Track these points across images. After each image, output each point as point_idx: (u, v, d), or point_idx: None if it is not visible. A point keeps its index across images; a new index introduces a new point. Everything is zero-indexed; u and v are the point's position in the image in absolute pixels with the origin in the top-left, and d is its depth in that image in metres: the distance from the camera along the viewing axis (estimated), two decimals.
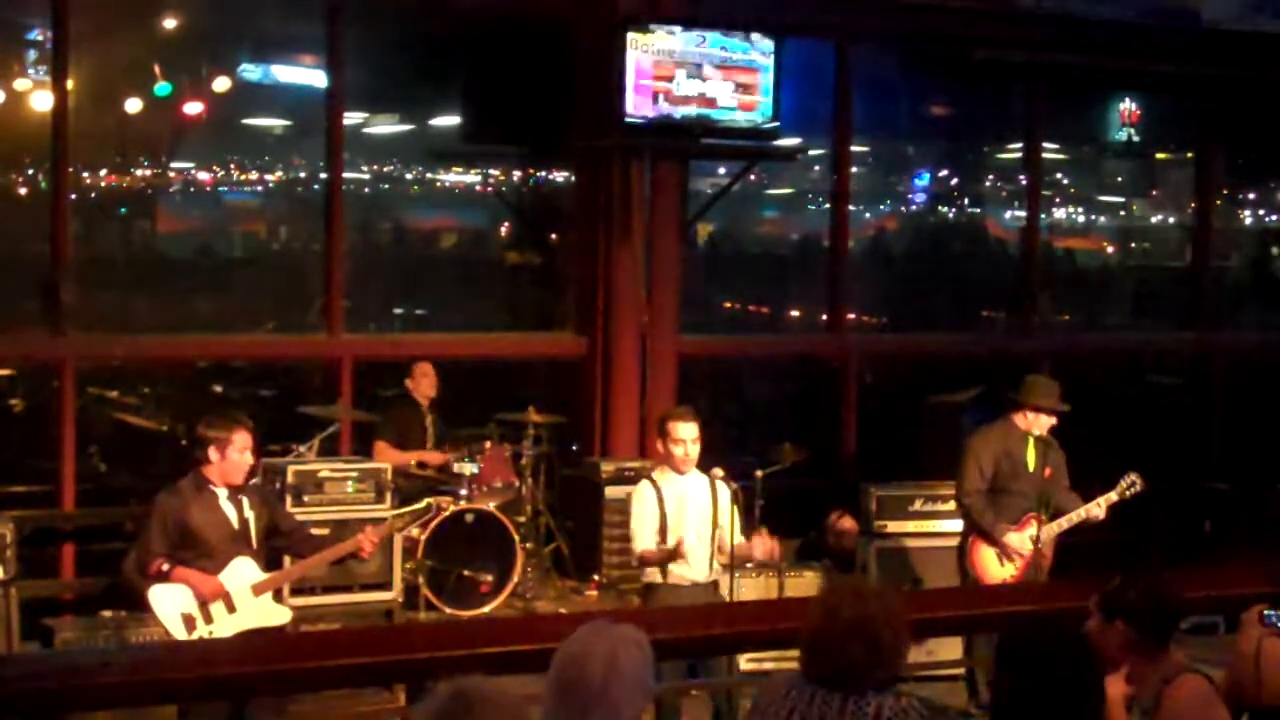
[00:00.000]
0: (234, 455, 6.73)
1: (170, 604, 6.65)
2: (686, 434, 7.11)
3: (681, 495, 7.13)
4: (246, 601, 6.74)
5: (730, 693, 7.35)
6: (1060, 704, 3.81)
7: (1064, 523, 8.11)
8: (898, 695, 3.79)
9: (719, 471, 7.18)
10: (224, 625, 6.69)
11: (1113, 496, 8.08)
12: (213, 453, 6.71)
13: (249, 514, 6.82)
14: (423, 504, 7.55)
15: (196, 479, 6.77)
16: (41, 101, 10.03)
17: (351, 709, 7.55)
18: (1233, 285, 14.15)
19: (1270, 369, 12.78)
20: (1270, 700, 4.85)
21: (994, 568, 8.13)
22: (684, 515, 7.11)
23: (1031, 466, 8.11)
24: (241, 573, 6.75)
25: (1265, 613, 5.41)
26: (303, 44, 11.12)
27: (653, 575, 7.15)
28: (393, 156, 12.50)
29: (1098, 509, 8.10)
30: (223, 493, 6.77)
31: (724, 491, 7.17)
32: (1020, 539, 8.05)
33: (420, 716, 3.00)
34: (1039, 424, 8.14)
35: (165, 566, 6.65)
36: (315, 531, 8.33)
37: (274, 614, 6.88)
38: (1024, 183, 12.63)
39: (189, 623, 6.65)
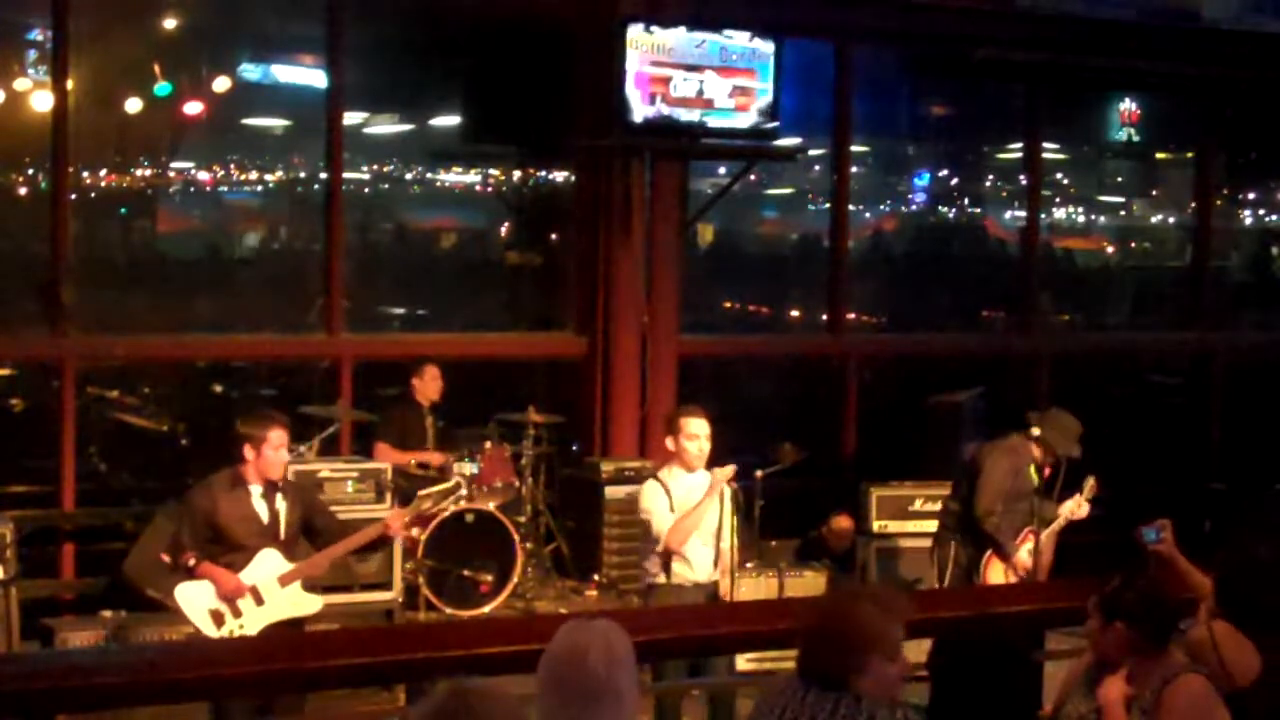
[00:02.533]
0: (269, 453, 6.76)
1: (197, 600, 6.69)
2: (699, 430, 7.10)
3: (688, 495, 7.11)
4: (274, 593, 6.76)
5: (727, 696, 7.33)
6: (989, 708, 3.82)
7: (1055, 528, 8.19)
8: (892, 706, 3.80)
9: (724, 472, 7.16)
10: (253, 618, 6.71)
11: (1082, 498, 8.22)
12: (248, 450, 6.76)
13: (280, 506, 6.83)
14: (451, 482, 7.61)
15: (233, 476, 6.82)
16: (41, 101, 10.02)
17: (351, 709, 7.55)
18: (1233, 285, 14.15)
19: (1270, 369, 12.77)
20: (1242, 680, 4.84)
21: (998, 581, 8.18)
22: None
23: (1035, 483, 8.15)
24: (267, 565, 6.77)
25: (1143, 529, 5.56)
26: (303, 44, 11.12)
27: (656, 576, 7.14)
28: (393, 156, 12.50)
29: (1079, 508, 8.19)
30: (257, 489, 6.81)
31: (729, 492, 7.16)
32: (1024, 554, 8.13)
33: (417, 717, 3.00)
34: (1048, 459, 8.19)
35: (192, 561, 6.70)
36: None
37: (304, 604, 6.87)
38: (1024, 183, 12.63)
39: (217, 618, 6.68)
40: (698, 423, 7.12)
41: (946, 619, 6.45)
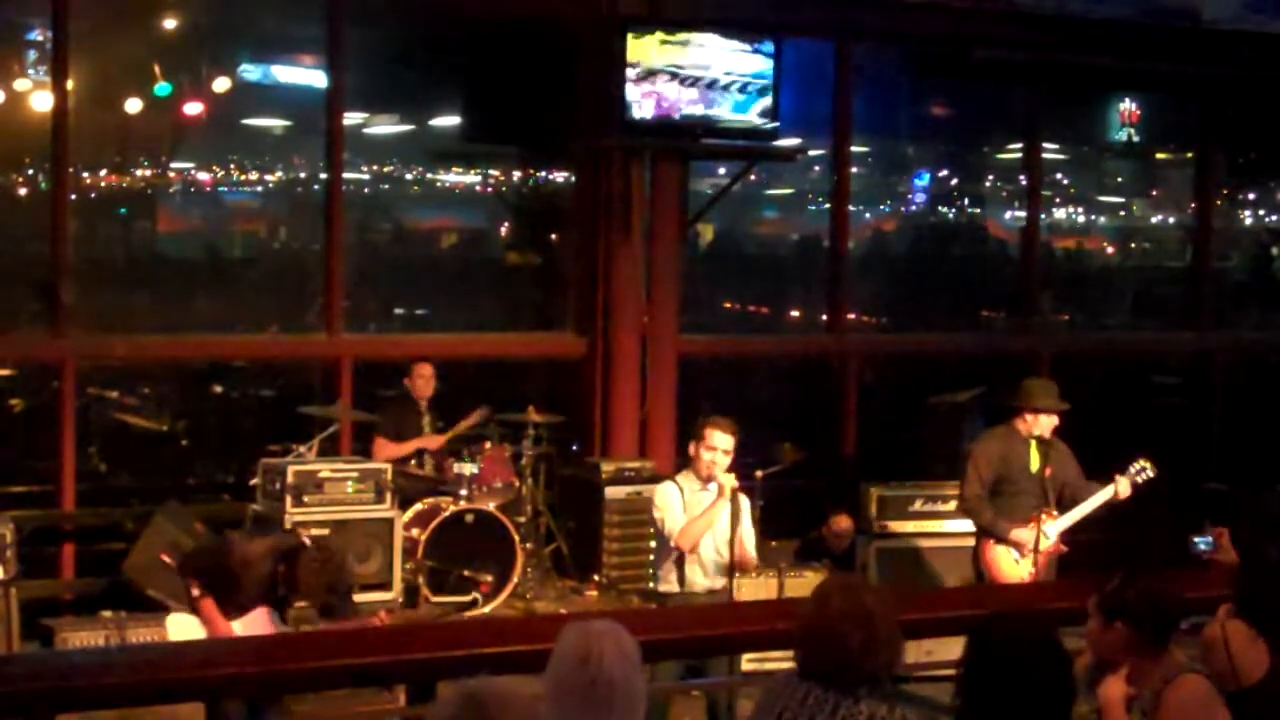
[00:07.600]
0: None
1: (184, 635, 6.68)
2: (720, 443, 7.12)
3: (701, 502, 7.12)
4: None
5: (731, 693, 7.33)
6: (1030, 703, 3.80)
7: (1075, 514, 8.10)
8: (891, 706, 3.80)
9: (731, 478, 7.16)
10: None
11: (1125, 479, 8.06)
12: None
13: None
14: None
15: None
16: (41, 101, 10.02)
17: (351, 709, 7.54)
18: (1233, 285, 14.14)
19: (1270, 369, 12.77)
20: (1248, 679, 4.85)
21: (1008, 566, 8.13)
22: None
23: (1035, 468, 8.12)
24: (257, 624, 6.76)
25: (1194, 539, 5.54)
26: (303, 44, 11.11)
27: (669, 584, 7.14)
28: (393, 156, 12.49)
29: (1114, 491, 8.04)
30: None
31: (744, 502, 7.16)
32: (1029, 535, 8.05)
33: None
34: (1040, 425, 8.14)
35: (196, 592, 6.68)
36: (315, 532, 8.37)
37: None
38: (1024, 183, 12.62)
39: None
40: (721, 436, 7.13)
41: (946, 619, 6.46)
